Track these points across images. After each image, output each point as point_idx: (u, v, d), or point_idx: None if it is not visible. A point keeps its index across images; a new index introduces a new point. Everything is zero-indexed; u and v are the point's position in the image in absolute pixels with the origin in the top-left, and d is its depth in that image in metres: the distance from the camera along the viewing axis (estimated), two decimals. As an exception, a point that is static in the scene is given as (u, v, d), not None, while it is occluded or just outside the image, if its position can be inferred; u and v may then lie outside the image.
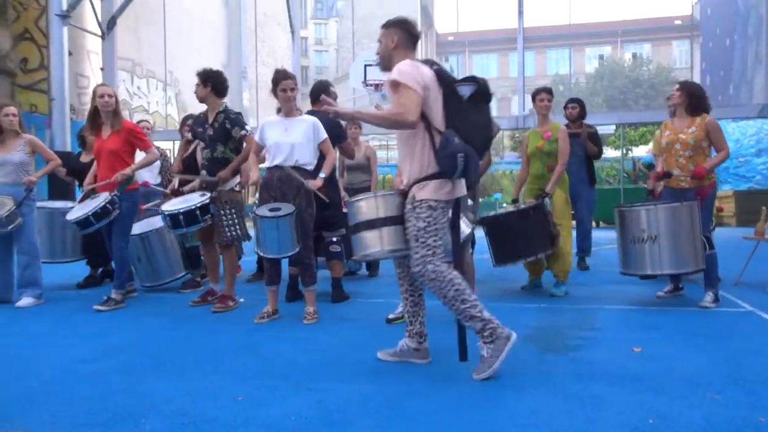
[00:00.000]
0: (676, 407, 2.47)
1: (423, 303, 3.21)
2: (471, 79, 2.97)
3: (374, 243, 3.41)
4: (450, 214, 3.04)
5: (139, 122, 6.56)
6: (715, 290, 4.59)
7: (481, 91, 2.95)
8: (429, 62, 3.02)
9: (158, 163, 6.07)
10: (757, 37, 21.20)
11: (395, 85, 2.89)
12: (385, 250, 3.41)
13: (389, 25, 3.08)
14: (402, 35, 3.03)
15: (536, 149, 5.23)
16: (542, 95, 5.30)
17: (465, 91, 2.92)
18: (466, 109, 2.91)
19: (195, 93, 4.83)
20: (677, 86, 4.77)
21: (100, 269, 6.26)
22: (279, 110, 4.56)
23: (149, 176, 6.16)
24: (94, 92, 4.91)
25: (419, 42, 3.13)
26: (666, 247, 4.38)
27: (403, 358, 3.17)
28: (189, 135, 5.16)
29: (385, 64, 3.08)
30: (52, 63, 13.19)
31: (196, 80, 4.80)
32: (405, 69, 2.89)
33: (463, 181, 3.01)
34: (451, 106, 2.92)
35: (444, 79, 2.94)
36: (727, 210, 14.52)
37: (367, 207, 3.45)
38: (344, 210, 4.55)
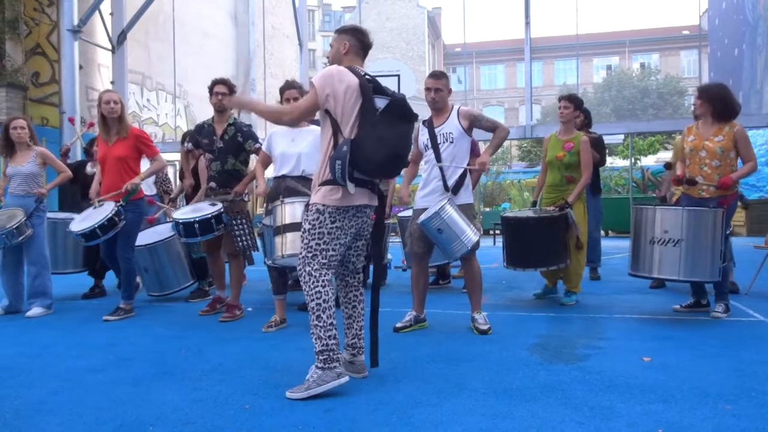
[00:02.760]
0: (686, 418, 2.44)
1: (358, 315, 3.11)
2: (389, 94, 2.93)
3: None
4: (352, 221, 2.93)
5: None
6: (725, 301, 4.54)
7: (393, 106, 2.88)
8: (368, 77, 2.94)
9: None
10: (766, 46, 21.15)
11: (312, 84, 2.92)
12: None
13: (343, 31, 3.10)
14: (354, 42, 3.05)
15: (555, 158, 5.11)
16: (561, 102, 5.17)
17: (380, 103, 2.88)
18: (376, 121, 2.83)
19: (219, 101, 4.71)
20: (697, 93, 4.47)
21: (102, 281, 6.24)
22: None
23: (144, 186, 5.98)
24: (100, 98, 4.77)
25: (367, 50, 3.14)
26: (685, 253, 4.14)
27: None
28: (188, 145, 5.03)
29: None
30: (63, 77, 13.36)
31: (221, 89, 4.71)
32: (326, 73, 2.90)
33: (366, 191, 2.94)
34: (363, 117, 2.85)
35: (364, 88, 2.87)
36: (737, 218, 14.41)
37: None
38: None
